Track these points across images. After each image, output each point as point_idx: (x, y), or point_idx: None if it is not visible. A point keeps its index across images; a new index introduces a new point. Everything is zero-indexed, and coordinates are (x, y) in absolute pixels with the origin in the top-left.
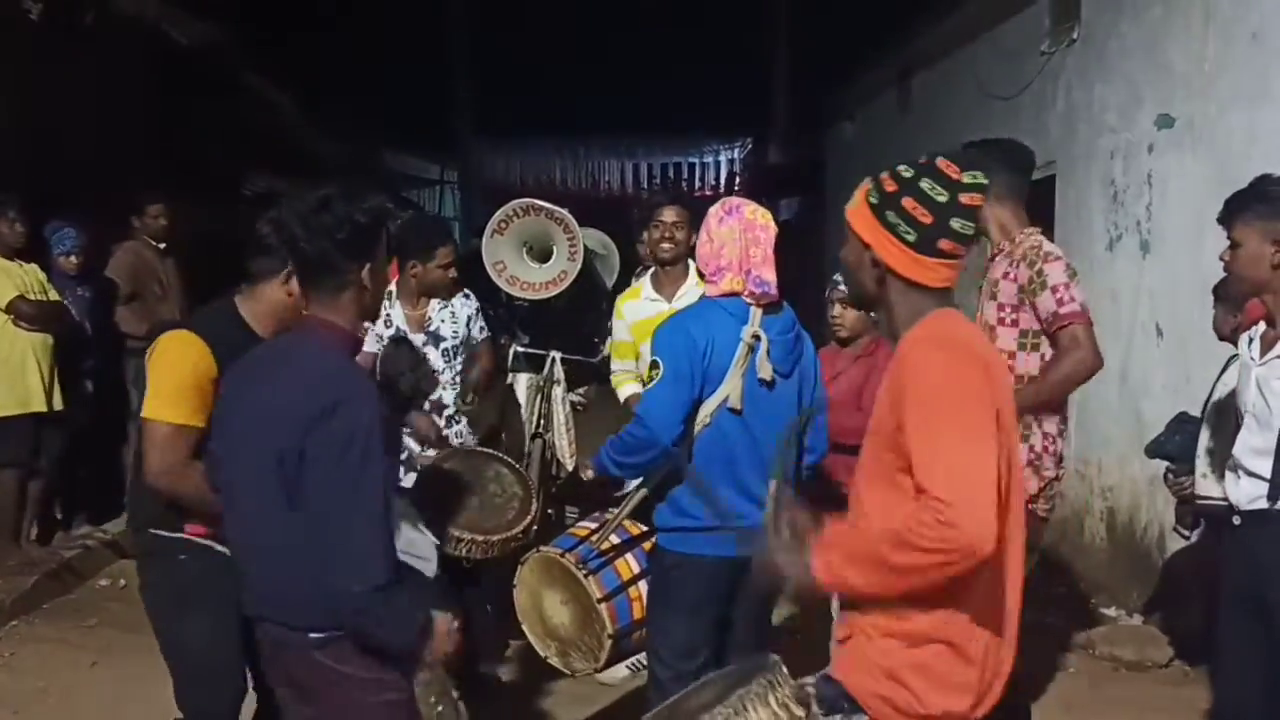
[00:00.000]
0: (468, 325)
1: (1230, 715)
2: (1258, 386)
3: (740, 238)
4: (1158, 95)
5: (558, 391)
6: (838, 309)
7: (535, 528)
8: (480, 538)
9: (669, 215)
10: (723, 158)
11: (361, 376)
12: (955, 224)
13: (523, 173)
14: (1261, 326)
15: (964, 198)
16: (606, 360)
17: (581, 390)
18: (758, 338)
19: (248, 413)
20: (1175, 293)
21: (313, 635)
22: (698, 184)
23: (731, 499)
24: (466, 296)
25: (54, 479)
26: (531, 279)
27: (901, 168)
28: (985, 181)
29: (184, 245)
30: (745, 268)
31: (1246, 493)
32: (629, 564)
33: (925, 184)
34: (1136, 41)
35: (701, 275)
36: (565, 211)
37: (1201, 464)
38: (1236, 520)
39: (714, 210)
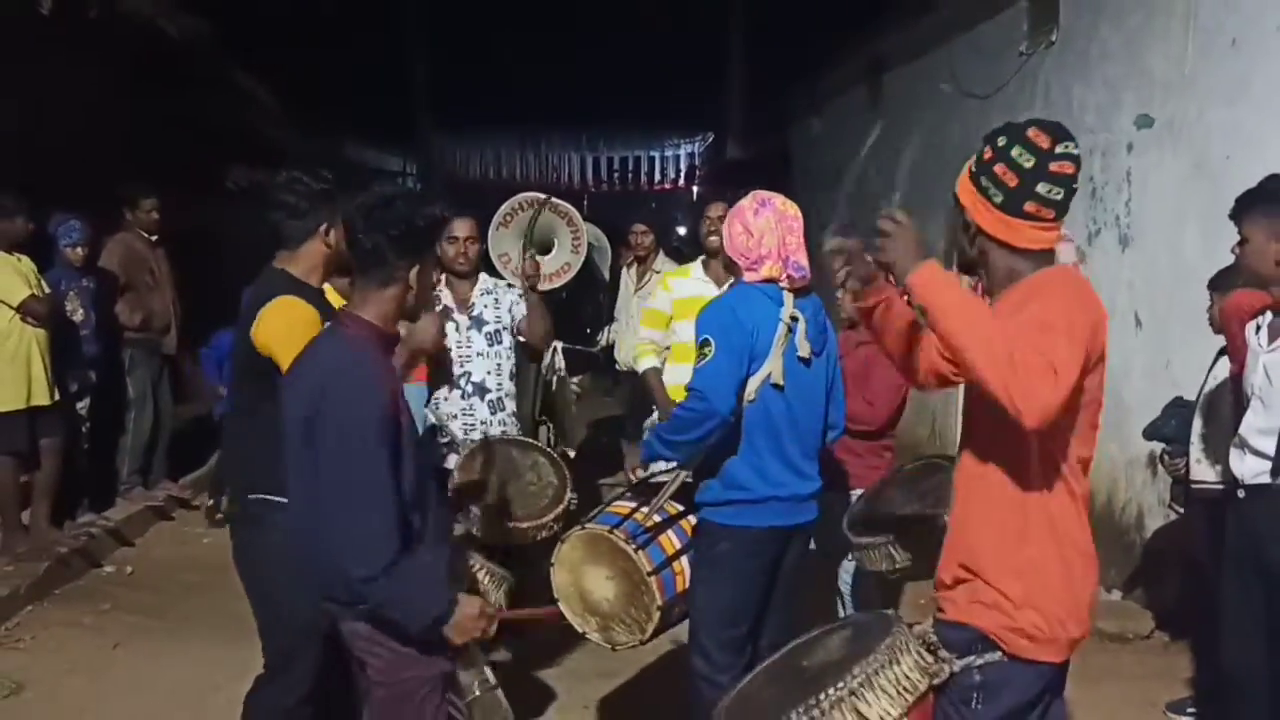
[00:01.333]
0: (511, 310)
1: (1235, 673)
2: (1265, 372)
3: (776, 227)
4: (1137, 96)
5: (561, 373)
6: (840, 293)
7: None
8: (511, 524)
9: (716, 210)
10: (682, 152)
11: (367, 373)
12: (1041, 189)
13: (483, 165)
14: (1269, 316)
15: (1053, 165)
16: (605, 350)
17: (577, 379)
18: (795, 319)
19: (290, 400)
20: (1153, 284)
21: (356, 606)
22: (657, 178)
23: (777, 471)
24: (510, 286)
25: (61, 466)
26: (521, 254)
27: (1000, 138)
28: (1076, 152)
29: (173, 237)
30: (784, 255)
31: (1251, 468)
32: (671, 540)
33: (1015, 151)
34: (1117, 45)
35: (730, 266)
36: (570, 206)
37: (1195, 450)
38: (1241, 493)
39: (746, 204)
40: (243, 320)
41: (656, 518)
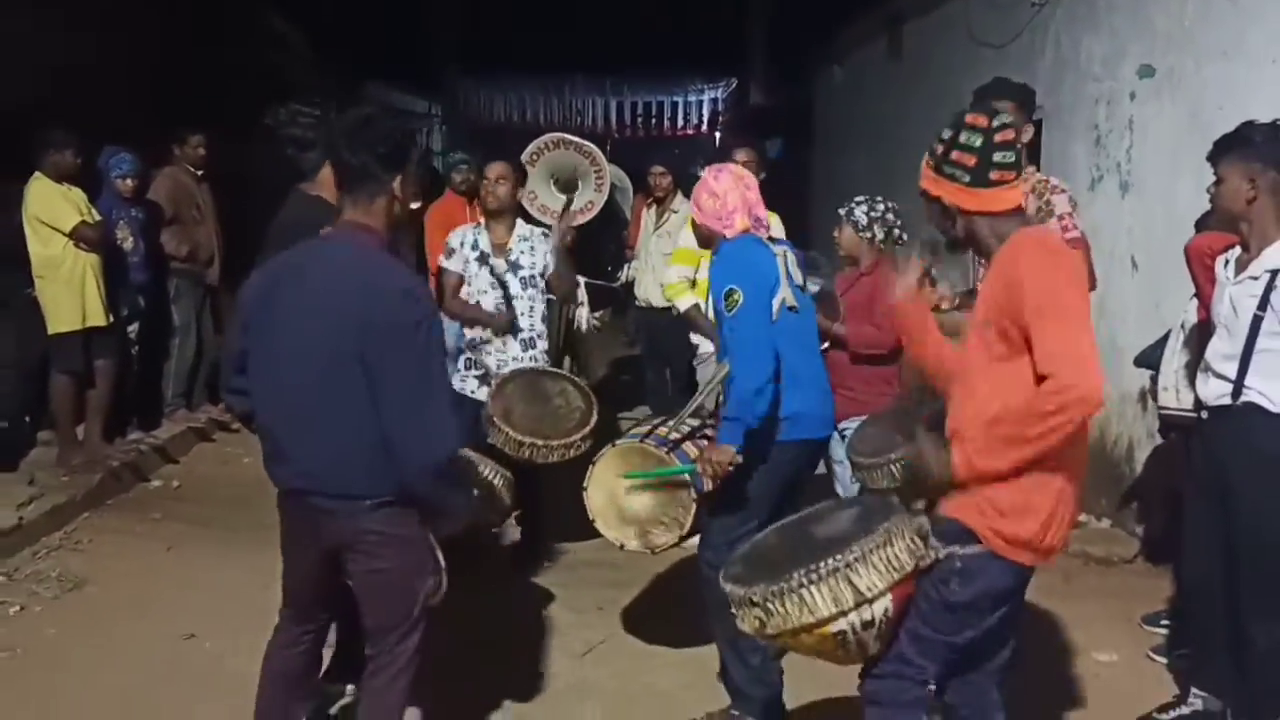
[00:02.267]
0: (546, 259)
1: (1195, 586)
2: (1230, 301)
3: (736, 185)
4: (1140, 48)
5: (582, 313)
6: (835, 232)
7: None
8: (542, 442)
9: (741, 156)
10: (705, 97)
11: (405, 272)
12: (998, 157)
13: (507, 109)
14: (1237, 250)
15: (997, 137)
16: (626, 286)
17: (598, 314)
18: (785, 255)
19: (304, 310)
20: (1150, 229)
21: (367, 502)
22: (680, 123)
23: (805, 387)
24: (545, 235)
25: (114, 386)
26: (561, 208)
27: (944, 132)
28: (1010, 119)
29: (216, 173)
30: (747, 207)
31: (1214, 391)
32: (693, 449)
33: (963, 137)
34: None
35: (707, 239)
36: (593, 146)
37: (1163, 378)
38: (1204, 415)
39: (707, 174)
40: (275, 244)
41: (678, 433)
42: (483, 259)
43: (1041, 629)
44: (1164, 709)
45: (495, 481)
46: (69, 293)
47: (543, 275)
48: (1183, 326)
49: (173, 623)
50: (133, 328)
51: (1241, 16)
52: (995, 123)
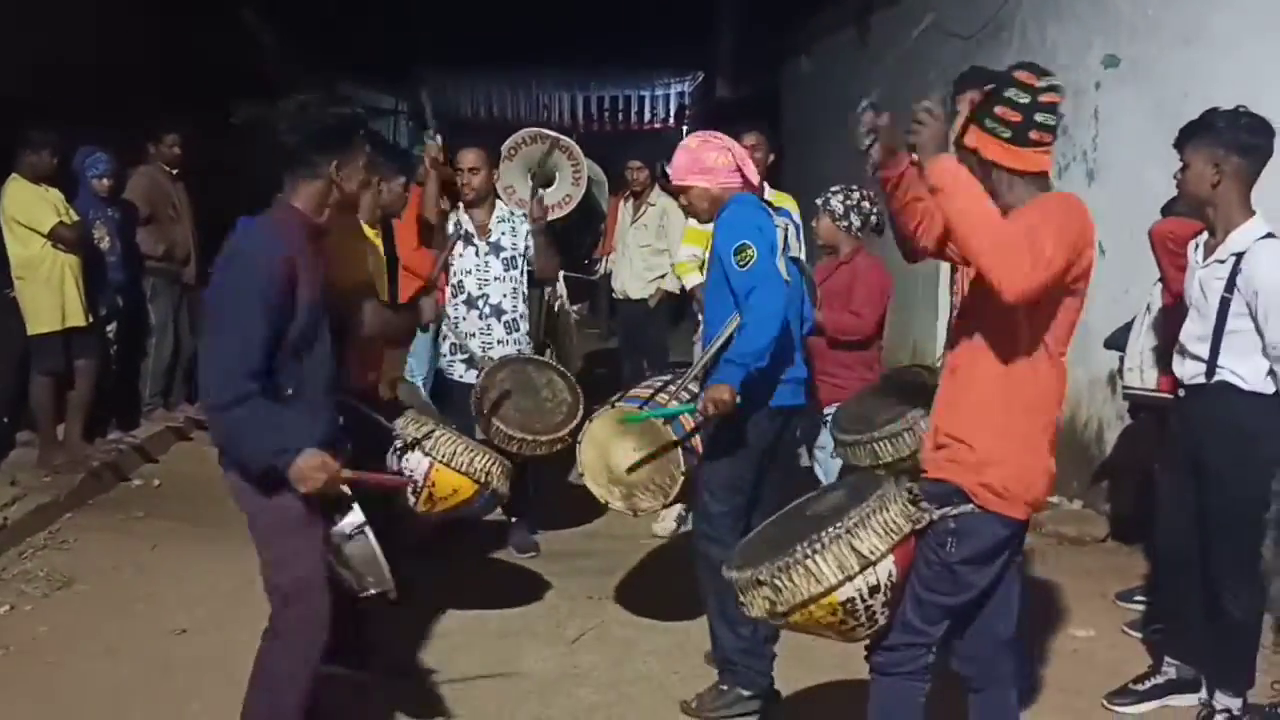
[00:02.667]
0: (526, 239)
1: (1169, 561)
2: (1200, 285)
3: (727, 144)
4: (1105, 37)
5: (561, 289)
6: (813, 221)
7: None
8: (530, 437)
9: (750, 140)
10: (672, 91)
11: (270, 244)
12: (1039, 118)
13: (474, 104)
14: (1205, 235)
15: (1043, 98)
16: (604, 278)
17: (577, 306)
18: (787, 227)
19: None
20: (1117, 216)
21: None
22: (647, 116)
23: (787, 356)
24: (524, 215)
25: (94, 386)
26: (529, 196)
27: (990, 86)
28: (1059, 83)
29: (189, 170)
30: (743, 157)
31: (1189, 371)
32: (687, 420)
33: (1010, 92)
34: None
35: (711, 206)
36: (571, 140)
37: (1129, 358)
38: (1181, 393)
39: (699, 139)
40: None
41: (675, 402)
42: (467, 238)
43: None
44: (1139, 680)
45: (493, 469)
46: (48, 293)
47: (524, 256)
48: (1148, 309)
49: (163, 619)
50: (111, 327)
51: (1203, 4)
52: (1043, 84)
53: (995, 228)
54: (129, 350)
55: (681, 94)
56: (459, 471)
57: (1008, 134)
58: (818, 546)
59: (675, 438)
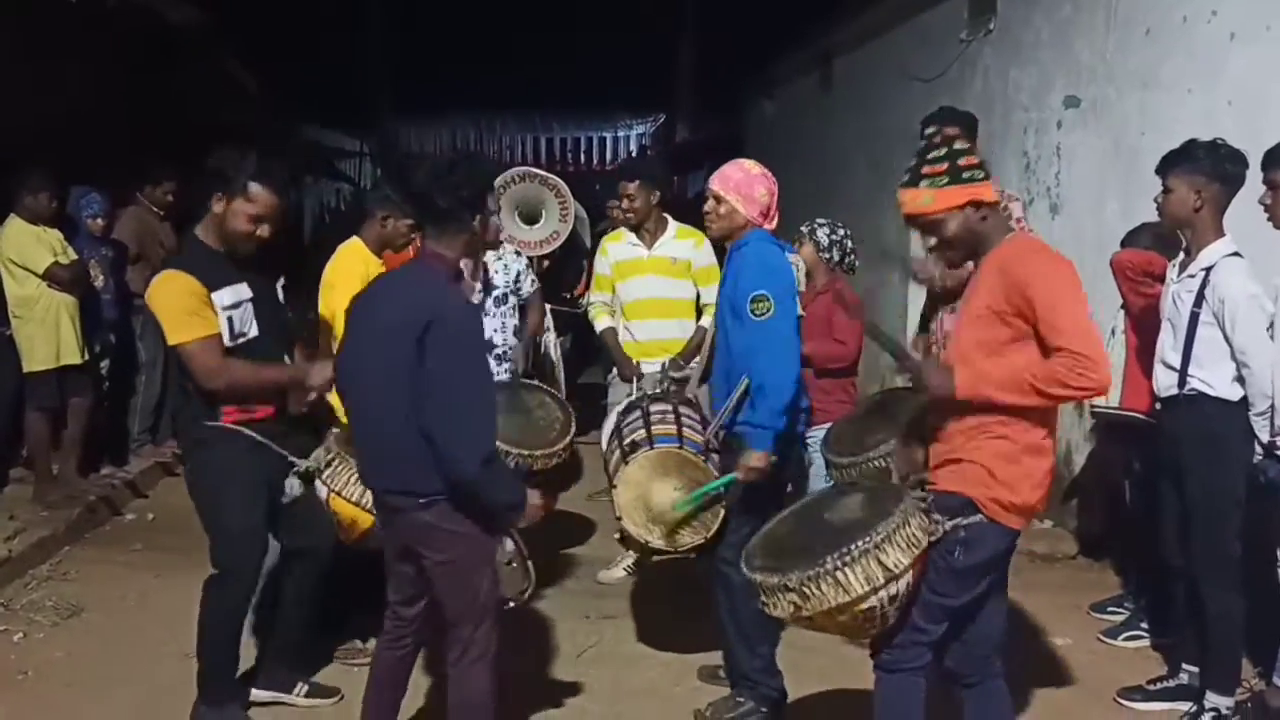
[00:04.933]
0: (517, 279)
1: (1163, 567)
2: (1173, 299)
3: (774, 187)
4: (1066, 80)
5: (549, 338)
6: (795, 244)
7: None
8: (527, 453)
9: (627, 189)
10: (633, 133)
11: (462, 296)
12: (978, 156)
13: (438, 146)
14: (1182, 255)
15: (959, 143)
16: (586, 312)
17: (562, 338)
18: (797, 262)
19: (374, 329)
20: (1080, 247)
21: (421, 500)
22: (609, 157)
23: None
24: (517, 254)
25: (87, 422)
26: (527, 238)
27: (930, 154)
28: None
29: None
30: (773, 206)
31: (1164, 382)
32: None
33: (956, 146)
34: (1048, 34)
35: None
36: (559, 179)
37: None
38: (1159, 405)
39: (759, 170)
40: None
41: (697, 436)
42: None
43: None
44: (1154, 680)
45: None
46: (44, 332)
47: (514, 292)
48: (1113, 332)
49: (174, 644)
50: (104, 364)
51: (1158, 50)
52: (940, 133)
53: (1045, 378)
54: (120, 387)
55: (642, 135)
56: (350, 502)
57: (981, 175)
58: (848, 559)
59: (715, 475)
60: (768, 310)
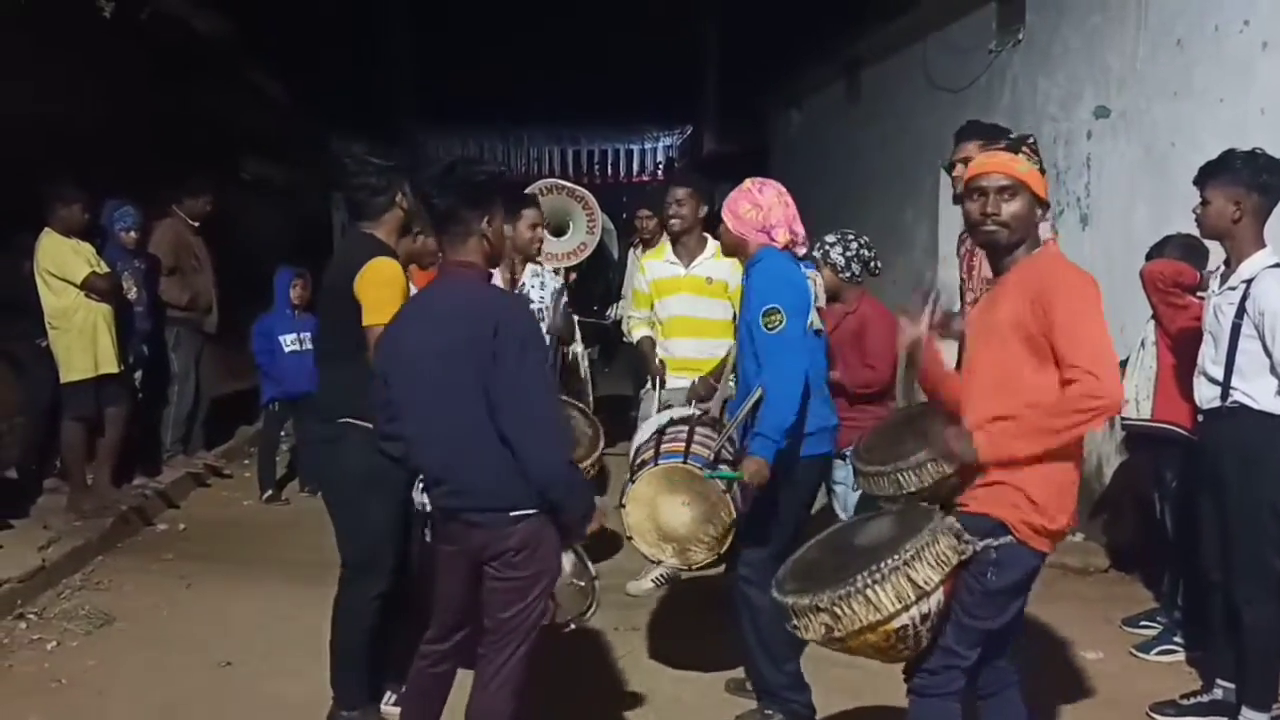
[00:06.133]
0: (554, 297)
1: (1204, 581)
2: (1215, 312)
3: (778, 201)
4: (1095, 90)
5: (578, 349)
6: (812, 273)
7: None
8: None
9: (678, 194)
10: (660, 144)
11: (511, 295)
12: None
13: (501, 171)
14: (1222, 267)
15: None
16: (616, 323)
17: (591, 350)
18: (815, 278)
19: (432, 349)
20: (1111, 258)
21: (513, 514)
22: (636, 169)
23: (820, 405)
24: (555, 274)
25: (123, 433)
26: (555, 250)
27: (1013, 140)
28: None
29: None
30: (788, 223)
31: (1206, 395)
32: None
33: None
34: (1077, 44)
35: (738, 245)
36: (586, 191)
37: (1126, 392)
38: (1200, 418)
39: (749, 186)
40: (336, 276)
41: (709, 453)
42: None
43: (1032, 632)
44: (1187, 695)
45: None
46: (81, 342)
47: (549, 309)
48: (1142, 344)
49: (207, 652)
50: (136, 375)
51: (1188, 59)
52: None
53: (1062, 419)
54: (152, 397)
55: (669, 148)
56: None
57: (1039, 168)
58: (878, 577)
59: (724, 487)
60: (779, 323)
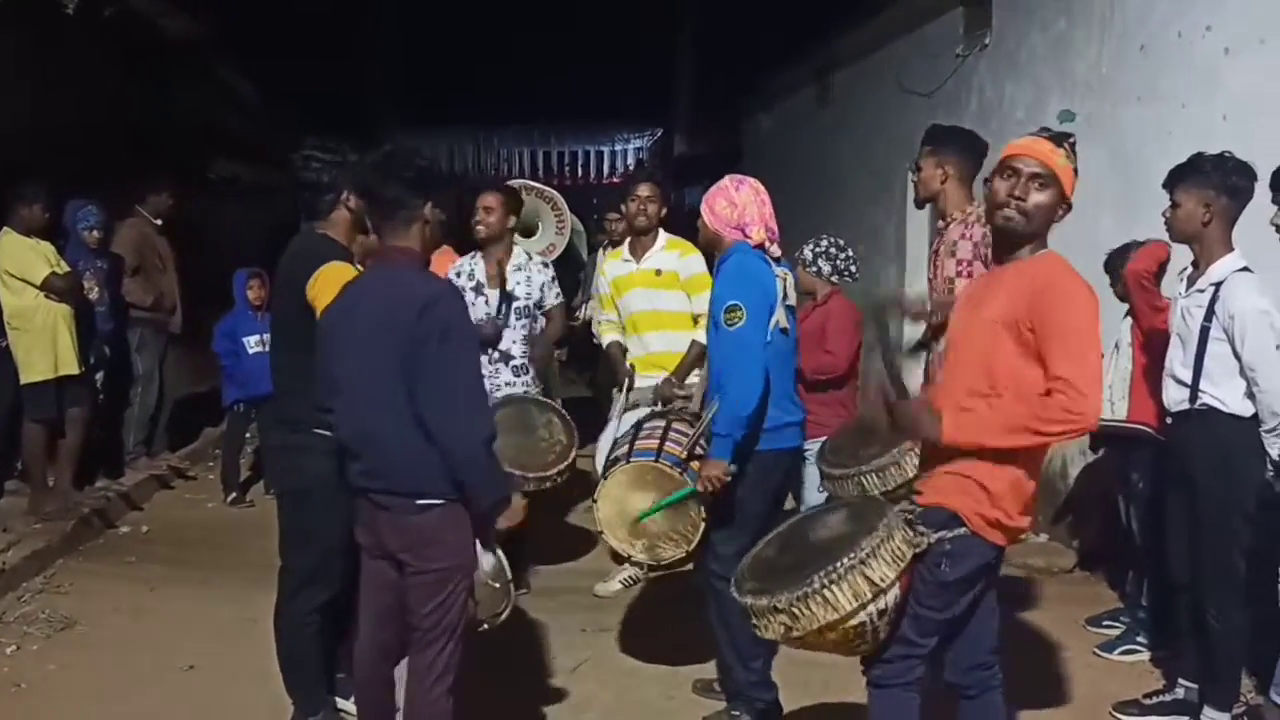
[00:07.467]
0: (541, 290)
1: (1171, 582)
2: (1182, 314)
3: (755, 199)
4: (1061, 95)
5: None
6: (783, 272)
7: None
8: (519, 473)
9: (643, 190)
10: (631, 147)
11: (443, 280)
12: None
13: (435, 159)
14: (1190, 269)
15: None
16: (585, 324)
17: (560, 350)
18: (786, 278)
19: (361, 328)
20: (1076, 262)
21: (419, 502)
22: (606, 171)
23: (784, 400)
24: (544, 265)
25: (84, 434)
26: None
27: (1057, 134)
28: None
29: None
30: (764, 221)
31: (1174, 397)
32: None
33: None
34: (1043, 49)
35: (714, 241)
36: (555, 192)
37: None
38: (1169, 420)
39: (726, 183)
40: (288, 277)
41: (682, 450)
42: (478, 289)
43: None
44: (1149, 695)
45: None
46: (42, 343)
47: (537, 305)
48: (1115, 345)
49: (170, 656)
50: (99, 376)
51: (1152, 64)
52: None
53: (1037, 416)
54: (114, 399)
55: (640, 149)
56: None
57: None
58: (834, 577)
59: (692, 485)
60: (739, 319)
